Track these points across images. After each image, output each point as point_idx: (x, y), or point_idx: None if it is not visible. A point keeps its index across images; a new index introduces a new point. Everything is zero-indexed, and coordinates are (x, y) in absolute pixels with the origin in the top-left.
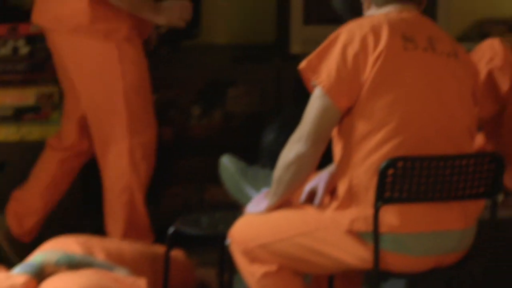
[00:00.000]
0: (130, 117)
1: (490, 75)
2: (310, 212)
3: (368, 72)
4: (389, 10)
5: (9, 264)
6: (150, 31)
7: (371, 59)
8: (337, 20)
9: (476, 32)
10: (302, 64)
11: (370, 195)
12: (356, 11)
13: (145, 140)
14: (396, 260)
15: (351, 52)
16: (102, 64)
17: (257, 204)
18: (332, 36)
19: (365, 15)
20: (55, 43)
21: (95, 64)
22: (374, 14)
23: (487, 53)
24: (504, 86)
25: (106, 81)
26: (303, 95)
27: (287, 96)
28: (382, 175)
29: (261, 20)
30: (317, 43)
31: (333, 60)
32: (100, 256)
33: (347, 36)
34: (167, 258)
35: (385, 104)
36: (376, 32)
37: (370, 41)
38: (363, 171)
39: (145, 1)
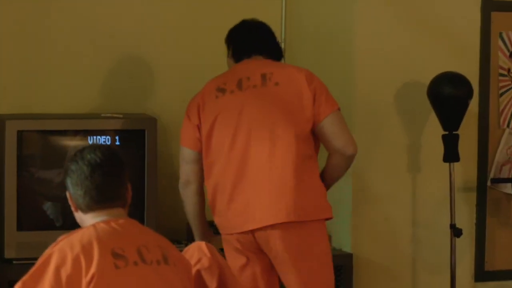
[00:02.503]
0: None
1: (198, 275)
2: None
3: None
4: (97, 218)
5: None
6: None
7: (84, 281)
8: (49, 226)
9: (185, 234)
10: (18, 286)
11: None
12: (65, 216)
13: None
14: None
15: (64, 274)
16: None
17: None
18: (44, 256)
19: (76, 218)
20: None
21: None
22: (82, 220)
23: (196, 254)
24: (212, 285)
25: None
26: None
27: None
28: None
29: None
30: (30, 247)
31: (47, 282)
32: None
33: (59, 257)
34: None
35: None
36: (87, 251)
37: (82, 262)
38: None
39: None
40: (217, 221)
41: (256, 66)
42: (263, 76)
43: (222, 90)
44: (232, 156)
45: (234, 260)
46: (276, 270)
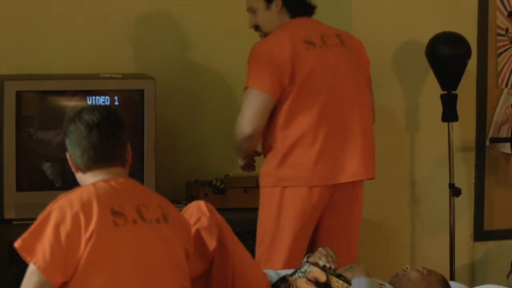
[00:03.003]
0: None
1: (198, 234)
2: None
3: (82, 252)
4: (96, 177)
5: None
6: None
7: (83, 239)
8: (49, 187)
9: (184, 193)
10: (18, 243)
11: None
12: (64, 177)
13: None
14: None
15: (63, 231)
16: None
17: None
18: (44, 214)
19: (77, 178)
20: None
21: None
22: (82, 180)
23: (195, 213)
24: (211, 245)
25: None
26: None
27: (3, 260)
28: None
29: None
30: (30, 208)
31: (47, 240)
32: None
33: (58, 214)
34: None
35: (100, 282)
36: (86, 209)
37: (82, 220)
38: None
39: None
40: (286, 172)
41: (324, 25)
42: (339, 37)
43: (311, 43)
44: (325, 110)
45: (297, 220)
46: (327, 226)
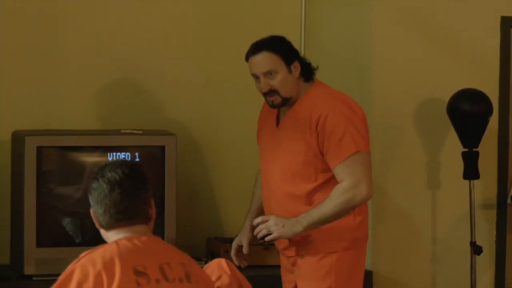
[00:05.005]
0: None
1: None
2: None
3: None
4: (119, 235)
5: None
6: None
7: None
8: (69, 243)
9: (204, 250)
10: None
11: None
12: (84, 232)
13: None
14: None
15: None
16: None
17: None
18: (66, 272)
19: (101, 234)
20: None
21: None
22: (106, 237)
23: (216, 271)
24: None
25: None
26: None
27: None
28: None
29: None
30: (50, 264)
31: None
32: None
33: (81, 273)
34: None
35: None
36: (108, 269)
37: (104, 279)
38: None
39: None
40: (361, 233)
41: None
42: None
43: None
44: None
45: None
46: None
